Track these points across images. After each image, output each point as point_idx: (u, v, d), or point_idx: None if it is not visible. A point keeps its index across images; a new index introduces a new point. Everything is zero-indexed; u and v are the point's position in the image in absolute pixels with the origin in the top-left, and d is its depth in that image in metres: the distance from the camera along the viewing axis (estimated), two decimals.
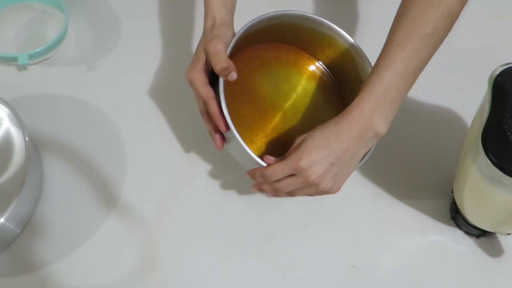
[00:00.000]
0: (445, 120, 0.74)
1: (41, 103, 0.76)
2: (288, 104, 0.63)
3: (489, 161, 0.46)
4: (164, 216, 0.66)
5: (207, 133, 0.72)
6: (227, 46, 0.55)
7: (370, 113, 0.48)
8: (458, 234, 0.65)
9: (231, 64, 0.54)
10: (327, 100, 0.65)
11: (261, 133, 0.61)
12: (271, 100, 0.63)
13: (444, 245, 0.64)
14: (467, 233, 0.64)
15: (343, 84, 0.65)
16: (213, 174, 0.69)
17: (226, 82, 0.55)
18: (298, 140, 0.52)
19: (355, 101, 0.49)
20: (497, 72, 0.49)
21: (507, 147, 0.46)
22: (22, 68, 0.79)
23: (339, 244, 0.64)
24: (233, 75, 0.54)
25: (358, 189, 0.68)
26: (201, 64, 0.56)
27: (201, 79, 0.56)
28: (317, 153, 0.49)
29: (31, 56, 0.75)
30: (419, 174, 0.69)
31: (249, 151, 0.53)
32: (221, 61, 0.53)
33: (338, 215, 0.66)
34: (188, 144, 0.72)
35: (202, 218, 0.66)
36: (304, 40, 0.64)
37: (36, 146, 0.71)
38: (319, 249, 0.64)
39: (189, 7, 0.86)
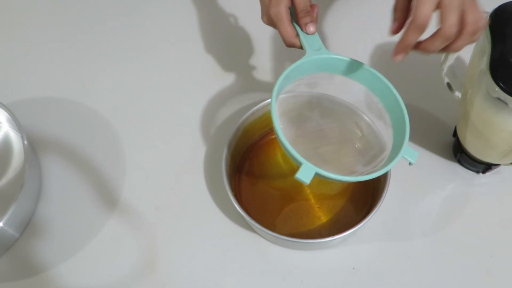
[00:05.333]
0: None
1: (40, 106, 0.76)
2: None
3: (497, 88, 0.50)
4: (163, 219, 0.66)
5: (206, 136, 0.72)
6: None
7: None
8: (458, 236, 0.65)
9: (311, 13, 0.53)
10: None
11: None
12: None
13: (445, 246, 0.64)
14: (472, 170, 0.67)
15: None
16: (213, 177, 0.69)
17: None
18: None
19: None
20: (490, 14, 0.54)
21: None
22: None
23: (339, 245, 0.64)
24: (310, 28, 0.53)
25: None
26: (286, 1, 0.53)
27: (286, 16, 0.53)
28: None
29: None
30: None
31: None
32: (306, 6, 0.53)
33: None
34: (188, 147, 0.72)
35: (201, 221, 0.66)
36: None
37: (35, 150, 0.71)
38: (319, 251, 0.64)
39: (190, 8, 0.86)
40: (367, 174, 0.50)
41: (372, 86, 0.55)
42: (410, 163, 0.50)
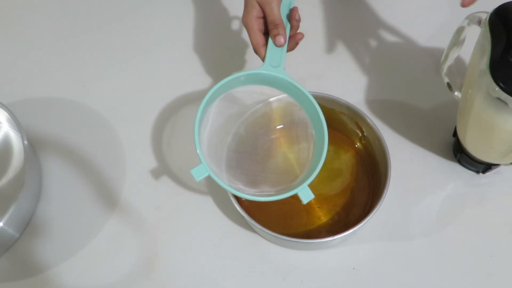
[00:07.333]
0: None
1: (40, 106, 0.76)
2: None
3: (497, 88, 0.50)
4: (163, 220, 0.66)
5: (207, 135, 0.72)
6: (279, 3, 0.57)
7: None
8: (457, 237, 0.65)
9: (282, 24, 0.55)
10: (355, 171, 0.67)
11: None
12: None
13: (445, 246, 0.64)
14: (472, 170, 0.67)
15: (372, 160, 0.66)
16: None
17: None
18: None
19: None
20: (490, 14, 0.54)
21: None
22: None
23: (339, 245, 0.64)
24: (280, 40, 0.55)
25: None
26: (256, 11, 0.57)
27: (254, 26, 0.57)
28: None
29: None
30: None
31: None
32: (274, 19, 0.55)
33: None
34: (188, 147, 0.71)
35: (201, 221, 0.66)
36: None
37: (35, 150, 0.71)
38: (319, 251, 0.64)
39: (190, 10, 0.86)
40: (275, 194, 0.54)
41: (311, 119, 0.57)
42: (302, 202, 0.53)
